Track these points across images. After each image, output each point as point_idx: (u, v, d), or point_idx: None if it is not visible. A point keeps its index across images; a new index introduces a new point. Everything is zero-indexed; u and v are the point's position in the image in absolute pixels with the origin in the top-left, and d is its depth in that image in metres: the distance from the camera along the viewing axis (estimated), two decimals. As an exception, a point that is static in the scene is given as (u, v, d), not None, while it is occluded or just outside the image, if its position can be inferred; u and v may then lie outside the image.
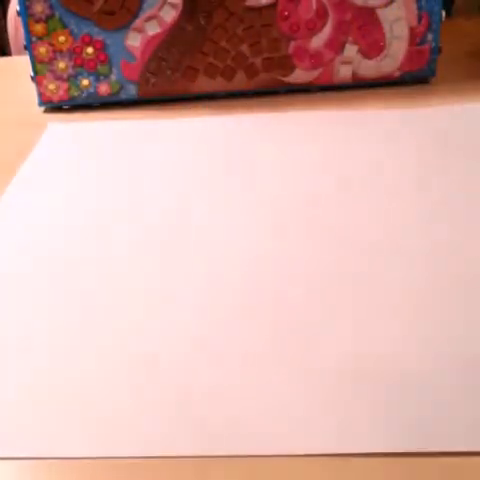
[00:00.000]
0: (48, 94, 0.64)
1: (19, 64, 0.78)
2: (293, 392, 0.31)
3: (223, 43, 0.63)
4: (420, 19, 0.63)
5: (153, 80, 0.64)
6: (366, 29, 0.63)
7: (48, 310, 0.38)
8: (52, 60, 0.63)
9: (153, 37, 0.63)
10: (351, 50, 0.64)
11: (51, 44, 0.62)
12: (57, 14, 0.61)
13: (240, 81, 0.64)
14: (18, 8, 0.61)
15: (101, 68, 0.63)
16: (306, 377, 0.32)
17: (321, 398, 0.31)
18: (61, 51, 0.63)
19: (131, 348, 0.34)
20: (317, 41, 0.63)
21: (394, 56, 0.64)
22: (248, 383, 0.32)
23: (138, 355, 0.34)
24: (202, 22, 0.62)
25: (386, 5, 0.62)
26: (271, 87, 0.65)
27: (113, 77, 0.64)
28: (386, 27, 0.63)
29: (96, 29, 0.62)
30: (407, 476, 0.27)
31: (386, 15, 0.63)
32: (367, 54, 0.64)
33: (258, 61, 0.64)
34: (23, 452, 0.29)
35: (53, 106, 0.65)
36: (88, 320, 0.37)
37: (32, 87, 0.64)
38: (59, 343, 0.35)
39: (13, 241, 0.44)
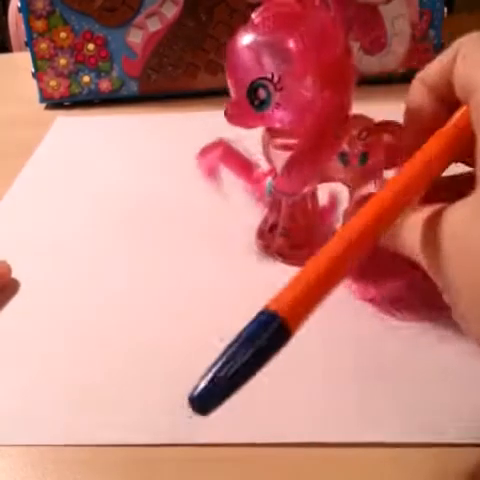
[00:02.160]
0: (49, 91, 0.64)
1: (20, 60, 0.78)
2: (292, 382, 0.31)
3: (224, 39, 0.63)
4: (422, 15, 0.63)
5: (154, 76, 0.64)
6: (368, 26, 0.63)
7: (50, 305, 0.38)
8: (53, 56, 0.63)
9: (154, 33, 0.62)
10: (352, 46, 0.63)
11: (52, 40, 0.62)
12: (58, 10, 0.61)
13: (241, 78, 0.64)
14: (19, 4, 0.61)
15: (102, 65, 0.63)
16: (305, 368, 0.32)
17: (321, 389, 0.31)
18: (62, 47, 0.63)
19: (131, 340, 0.34)
20: (318, 37, 0.63)
21: (396, 53, 0.64)
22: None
23: (137, 347, 0.34)
24: (203, 18, 0.62)
25: (388, 2, 0.62)
26: (272, 84, 0.65)
27: (114, 73, 0.64)
28: (388, 24, 0.63)
29: (97, 25, 0.62)
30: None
31: (388, 12, 0.62)
32: (369, 51, 0.64)
33: (259, 57, 0.64)
34: (29, 439, 0.29)
35: (54, 103, 0.65)
36: (89, 317, 0.37)
37: (33, 84, 0.64)
38: (60, 336, 0.35)
39: (19, 236, 0.44)
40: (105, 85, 0.64)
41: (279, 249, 0.39)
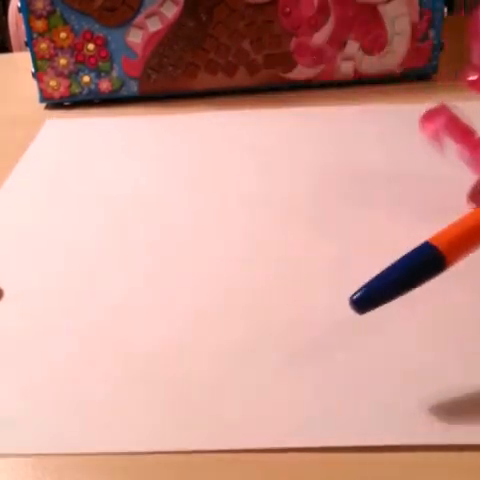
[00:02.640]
0: (49, 91, 0.64)
1: (20, 60, 0.78)
2: (292, 388, 0.31)
3: (224, 39, 0.63)
4: (422, 15, 0.63)
5: (154, 76, 0.64)
6: (368, 25, 0.63)
7: (45, 305, 0.38)
8: (53, 56, 0.63)
9: (154, 33, 0.62)
10: (353, 46, 0.63)
11: (52, 40, 0.62)
12: (58, 10, 0.61)
13: (241, 77, 0.64)
14: (19, 4, 0.61)
15: (102, 64, 0.63)
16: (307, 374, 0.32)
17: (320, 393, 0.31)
18: (62, 47, 0.63)
19: (129, 346, 0.34)
20: (319, 37, 0.63)
21: (396, 52, 0.64)
22: (245, 378, 0.32)
23: (135, 351, 0.34)
24: (203, 18, 0.62)
25: (388, 1, 0.62)
26: (272, 83, 0.65)
27: (114, 73, 0.64)
28: (388, 23, 0.63)
29: (97, 25, 0.62)
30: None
31: (388, 11, 0.62)
32: (369, 50, 0.64)
33: (259, 57, 0.64)
34: (27, 448, 0.29)
35: (54, 103, 0.65)
36: (82, 325, 0.37)
37: (33, 84, 0.64)
38: (57, 341, 0.35)
39: (6, 237, 0.44)
40: (105, 85, 0.64)
41: None
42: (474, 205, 0.42)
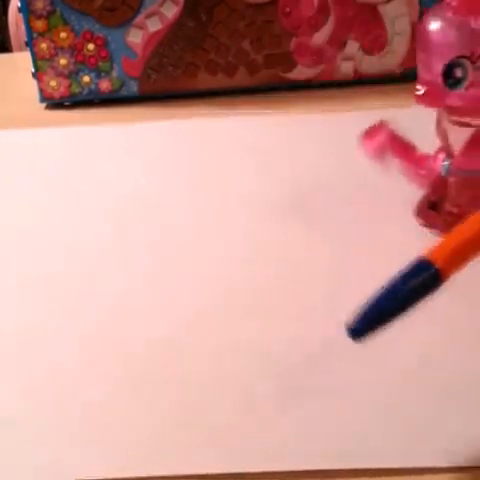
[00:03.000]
0: (49, 91, 0.64)
1: (20, 60, 0.78)
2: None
3: (224, 39, 0.63)
4: (422, 15, 0.63)
5: (154, 76, 0.64)
6: (368, 25, 0.63)
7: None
8: (53, 56, 0.63)
9: (154, 33, 0.62)
10: (353, 46, 0.63)
11: (52, 40, 0.62)
12: (58, 10, 0.61)
13: (241, 77, 0.64)
14: (19, 4, 0.61)
15: (102, 64, 0.63)
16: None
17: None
18: (62, 47, 0.62)
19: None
20: (319, 37, 0.63)
21: (396, 52, 0.64)
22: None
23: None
24: (203, 18, 0.62)
25: (388, 1, 0.62)
26: (272, 83, 0.65)
27: (114, 73, 0.64)
28: (388, 23, 0.63)
29: (97, 25, 0.62)
30: None
31: (388, 11, 0.62)
32: (369, 50, 0.64)
33: (259, 57, 0.64)
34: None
35: (54, 103, 0.65)
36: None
37: (33, 84, 0.64)
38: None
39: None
40: (105, 85, 0.64)
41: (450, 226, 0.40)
42: (422, 221, 0.41)
